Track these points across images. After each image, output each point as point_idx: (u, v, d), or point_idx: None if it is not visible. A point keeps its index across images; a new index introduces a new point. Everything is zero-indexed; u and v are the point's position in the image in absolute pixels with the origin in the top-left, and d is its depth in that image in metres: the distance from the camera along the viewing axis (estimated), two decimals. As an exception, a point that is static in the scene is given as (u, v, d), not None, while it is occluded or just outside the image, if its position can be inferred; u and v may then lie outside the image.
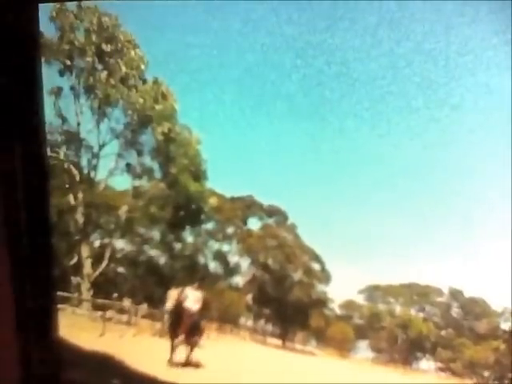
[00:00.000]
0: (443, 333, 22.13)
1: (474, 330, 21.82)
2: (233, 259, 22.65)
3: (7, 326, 2.69)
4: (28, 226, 2.69)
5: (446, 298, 22.60)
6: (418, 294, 22.71)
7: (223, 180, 20.48)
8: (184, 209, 19.66)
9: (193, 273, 21.63)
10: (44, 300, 2.93)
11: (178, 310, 11.26)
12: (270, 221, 22.10)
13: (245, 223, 22.21)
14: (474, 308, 21.90)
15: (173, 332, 11.46)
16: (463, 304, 22.27)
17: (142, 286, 21.73)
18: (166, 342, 12.33)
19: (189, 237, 21.63)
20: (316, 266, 22.79)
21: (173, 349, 11.69)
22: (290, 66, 19.24)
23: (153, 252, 22.18)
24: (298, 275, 22.85)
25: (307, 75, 19.40)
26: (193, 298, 11.61)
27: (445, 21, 16.51)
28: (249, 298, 22.90)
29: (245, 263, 22.75)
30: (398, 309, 22.99)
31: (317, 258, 22.53)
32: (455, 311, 22.49)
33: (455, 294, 22.32)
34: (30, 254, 2.76)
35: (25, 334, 2.80)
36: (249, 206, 21.56)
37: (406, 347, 22.15)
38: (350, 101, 20.17)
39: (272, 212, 21.76)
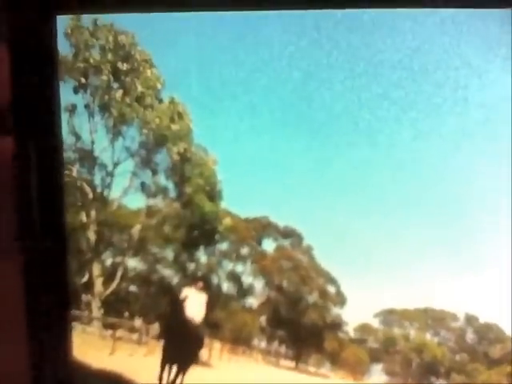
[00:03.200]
0: (457, 357, 21.32)
1: (487, 355, 20.99)
2: (247, 280, 21.85)
3: (19, 338, 2.55)
4: (43, 239, 2.55)
5: (461, 323, 21.76)
6: (433, 318, 21.91)
7: (238, 200, 19.84)
8: (198, 229, 19.01)
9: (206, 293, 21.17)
10: (58, 315, 2.80)
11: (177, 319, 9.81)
12: (285, 242, 21.37)
13: (259, 244, 21.59)
14: (488, 333, 21.05)
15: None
16: (477, 329, 21.44)
17: (153, 305, 21.23)
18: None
19: (202, 257, 20.95)
20: (331, 289, 21.82)
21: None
22: (311, 86, 18.66)
23: (166, 271, 21.40)
24: (312, 298, 21.98)
25: (327, 95, 18.86)
26: (195, 302, 10.13)
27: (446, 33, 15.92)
28: (262, 319, 22.26)
29: (259, 284, 21.96)
30: (412, 333, 22.20)
31: (332, 281, 21.55)
32: (469, 336, 21.67)
33: (470, 319, 21.48)
34: (44, 267, 2.63)
35: (38, 349, 2.66)
36: (264, 227, 20.91)
37: (420, 371, 21.34)
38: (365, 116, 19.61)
39: (287, 233, 21.08)
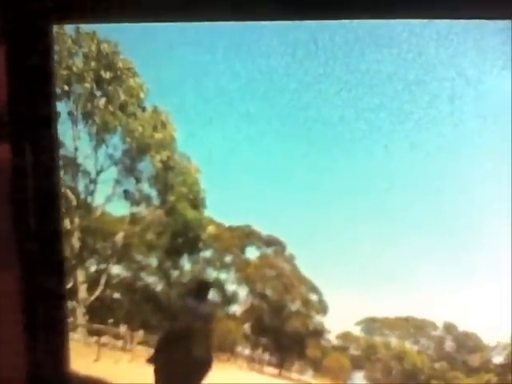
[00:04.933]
0: (437, 365, 21.00)
1: (466, 363, 20.72)
2: (230, 288, 21.54)
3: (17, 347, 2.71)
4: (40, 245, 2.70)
5: (441, 331, 21.54)
6: (414, 327, 21.57)
7: (222, 209, 19.52)
8: (182, 236, 18.59)
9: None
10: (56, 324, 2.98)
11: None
12: (268, 251, 20.95)
13: (243, 252, 21.20)
14: (467, 342, 20.81)
15: None
16: (457, 338, 21.18)
17: (138, 312, 20.80)
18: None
19: (186, 264, 20.60)
20: (313, 297, 21.48)
21: None
22: (295, 94, 18.33)
23: (150, 279, 20.97)
24: (295, 306, 21.59)
25: (314, 106, 18.55)
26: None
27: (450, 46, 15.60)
28: (246, 327, 21.98)
29: (243, 292, 21.65)
30: (393, 341, 21.90)
31: (314, 289, 21.21)
32: (449, 345, 21.41)
33: (449, 328, 21.23)
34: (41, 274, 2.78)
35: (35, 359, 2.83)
36: (247, 236, 20.49)
37: (401, 379, 21.10)
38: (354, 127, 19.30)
39: (270, 242, 20.67)
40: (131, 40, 15.54)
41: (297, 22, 15.09)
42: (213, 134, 18.88)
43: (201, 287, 8.74)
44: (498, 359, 20.46)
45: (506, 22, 2.56)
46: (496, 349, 20.40)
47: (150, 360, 8.10)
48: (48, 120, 2.73)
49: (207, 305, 8.47)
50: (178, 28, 15.52)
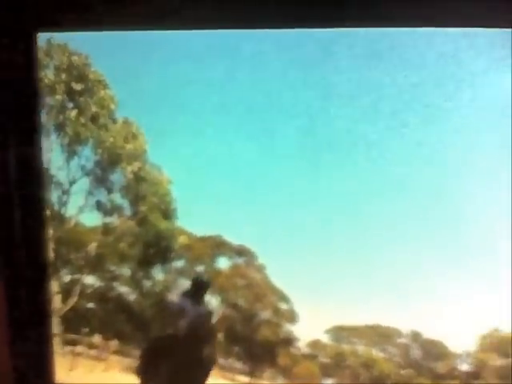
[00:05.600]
0: (403, 372, 21.08)
1: (433, 370, 20.83)
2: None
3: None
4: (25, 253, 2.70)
5: (407, 339, 21.62)
6: (381, 334, 21.57)
7: (193, 219, 19.45)
8: (154, 246, 18.40)
9: (162, 310, 20.59)
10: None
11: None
12: (240, 260, 20.94)
13: (214, 262, 21.13)
14: (433, 349, 20.89)
15: None
16: (422, 345, 21.29)
17: (111, 322, 20.60)
18: (135, 378, 11.20)
19: (159, 274, 20.48)
20: (284, 306, 21.47)
21: None
22: (266, 106, 18.40)
23: (123, 289, 20.85)
24: (266, 314, 21.62)
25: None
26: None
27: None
28: (219, 336, 21.86)
29: (214, 302, 21.65)
30: (361, 349, 21.93)
31: (285, 298, 21.19)
32: (415, 352, 21.47)
33: (415, 336, 21.31)
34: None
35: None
36: (218, 246, 20.39)
37: (369, 385, 21.17)
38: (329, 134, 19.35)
39: (241, 252, 20.58)
40: (102, 52, 15.58)
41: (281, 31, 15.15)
42: (184, 145, 18.93)
43: (197, 287, 8.15)
44: (464, 367, 20.73)
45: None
46: (461, 356, 20.58)
47: (138, 371, 7.61)
48: (32, 132, 2.70)
49: (204, 304, 7.95)
50: (149, 39, 15.56)
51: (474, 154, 17.78)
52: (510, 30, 2.37)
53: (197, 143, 18.65)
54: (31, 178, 2.58)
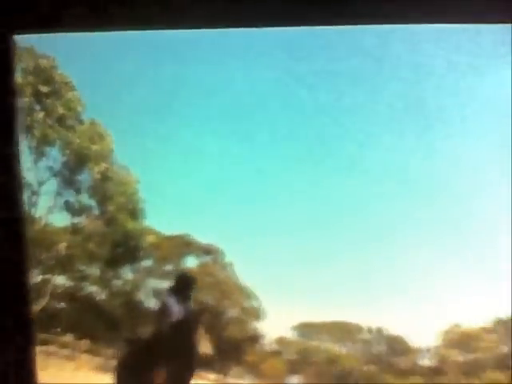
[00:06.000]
0: (366, 368, 21.33)
1: (395, 365, 21.08)
2: (172, 296, 21.49)
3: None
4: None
5: (370, 335, 21.90)
6: (345, 331, 21.84)
7: (160, 218, 19.56)
8: (122, 246, 18.43)
9: (132, 309, 20.72)
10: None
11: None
12: (207, 259, 21.10)
13: (182, 261, 21.24)
14: (396, 345, 21.18)
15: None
16: (385, 341, 21.57)
17: (82, 321, 20.60)
18: (105, 377, 11.28)
19: (128, 274, 20.55)
20: (251, 304, 21.72)
21: None
22: (236, 101, 18.50)
23: (92, 288, 20.86)
24: (233, 312, 21.83)
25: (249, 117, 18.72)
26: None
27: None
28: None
29: (183, 300, 21.69)
30: (326, 345, 22.17)
31: (252, 296, 21.43)
32: (378, 348, 21.75)
33: (378, 332, 21.59)
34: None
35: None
36: (186, 244, 20.51)
37: (334, 381, 21.29)
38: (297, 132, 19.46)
39: (209, 250, 20.67)
40: (68, 54, 15.66)
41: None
42: (151, 145, 19.02)
43: (184, 283, 7.70)
44: (426, 362, 21.05)
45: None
46: (424, 352, 20.88)
47: (120, 368, 7.17)
48: (11, 132, 2.68)
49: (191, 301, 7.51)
50: (114, 41, 15.66)
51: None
52: (509, 26, 2.43)
53: (164, 143, 18.76)
54: (9, 179, 2.62)
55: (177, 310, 7.63)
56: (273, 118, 18.80)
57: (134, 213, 18.06)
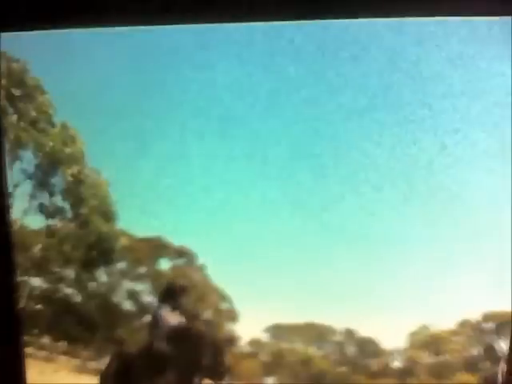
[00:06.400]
0: (339, 369, 21.37)
1: (366, 367, 21.14)
2: (147, 299, 21.52)
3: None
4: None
5: (341, 337, 21.94)
6: (317, 332, 21.92)
7: (133, 221, 19.57)
8: (96, 248, 18.54)
9: (108, 311, 20.69)
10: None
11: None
12: (180, 261, 21.11)
13: (156, 263, 21.23)
14: (367, 347, 21.24)
15: None
16: (356, 343, 21.63)
17: (59, 323, 20.54)
18: (84, 378, 11.30)
19: (103, 276, 20.55)
20: (225, 306, 21.73)
21: None
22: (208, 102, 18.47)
23: (68, 290, 20.69)
24: (208, 314, 21.82)
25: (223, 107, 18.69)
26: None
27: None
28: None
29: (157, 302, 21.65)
30: (300, 347, 22.18)
31: (226, 298, 21.46)
32: (350, 349, 21.79)
33: (349, 334, 21.65)
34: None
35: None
36: (159, 247, 20.55)
37: (308, 383, 21.30)
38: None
39: (181, 253, 20.66)
40: (39, 57, 15.72)
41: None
42: (123, 147, 19.01)
43: (173, 293, 7.47)
44: (397, 364, 21.14)
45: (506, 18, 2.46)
46: (394, 354, 20.96)
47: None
48: None
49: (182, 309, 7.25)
50: (87, 43, 15.69)
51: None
52: (509, 22, 2.42)
53: (136, 144, 18.75)
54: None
55: (169, 320, 7.45)
56: (247, 116, 18.72)
57: (107, 215, 18.11)
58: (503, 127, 14.97)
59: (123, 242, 19.32)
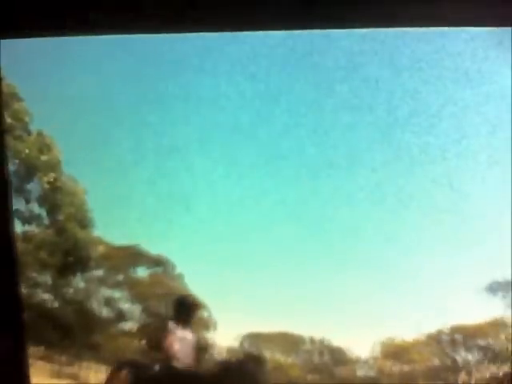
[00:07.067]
0: (310, 377, 21.34)
1: (336, 375, 21.11)
2: (124, 306, 21.34)
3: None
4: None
5: (312, 346, 21.92)
6: (289, 341, 21.87)
7: (110, 229, 19.49)
8: (73, 255, 18.39)
9: (85, 317, 20.57)
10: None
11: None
12: (158, 270, 20.97)
13: (133, 271, 21.12)
14: (336, 356, 21.23)
15: None
16: (327, 352, 21.61)
17: (36, 328, 20.36)
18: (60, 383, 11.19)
19: (79, 282, 20.43)
20: (202, 314, 21.66)
21: None
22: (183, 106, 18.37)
23: (45, 296, 20.49)
24: (184, 322, 21.69)
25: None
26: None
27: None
28: (143, 343, 21.70)
29: (137, 310, 21.57)
30: (272, 355, 22.10)
31: (203, 307, 21.43)
32: (320, 358, 21.75)
33: (320, 343, 21.63)
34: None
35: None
36: (136, 255, 20.44)
37: (281, 390, 21.19)
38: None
39: (159, 261, 20.53)
40: (15, 64, 15.62)
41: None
42: (99, 155, 18.95)
43: (186, 308, 7.11)
44: (365, 373, 21.06)
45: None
46: (362, 363, 20.92)
47: None
48: None
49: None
50: (61, 49, 15.53)
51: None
52: (509, 29, 2.39)
53: (113, 152, 18.68)
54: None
55: (182, 336, 7.17)
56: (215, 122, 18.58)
57: (83, 223, 17.99)
58: (505, 135, 14.67)
59: (100, 249, 19.19)
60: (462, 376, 17.18)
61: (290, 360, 21.88)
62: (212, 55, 16.46)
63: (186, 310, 7.66)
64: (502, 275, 16.31)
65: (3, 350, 2.72)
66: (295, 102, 17.57)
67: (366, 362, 20.77)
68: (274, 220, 20.25)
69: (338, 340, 20.58)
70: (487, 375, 16.86)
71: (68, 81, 16.81)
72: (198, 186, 19.66)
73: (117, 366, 6.60)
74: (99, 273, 20.38)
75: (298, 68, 16.91)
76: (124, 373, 6.56)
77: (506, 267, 13.22)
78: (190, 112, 17.88)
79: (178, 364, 7.00)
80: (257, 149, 18.47)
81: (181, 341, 7.28)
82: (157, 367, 6.96)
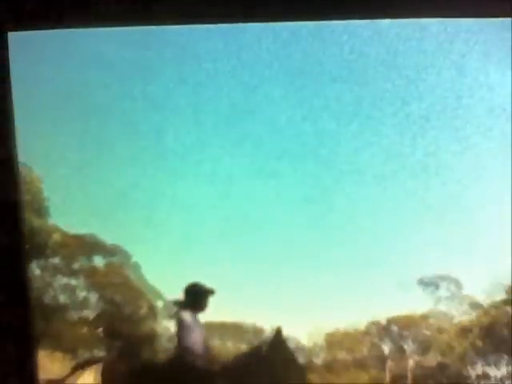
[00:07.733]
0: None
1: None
2: (81, 294, 21.16)
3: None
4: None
5: (268, 335, 21.97)
6: (246, 331, 22.01)
7: (66, 217, 19.20)
8: (28, 243, 18.24)
9: (42, 306, 20.32)
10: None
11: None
12: (114, 259, 20.81)
13: (90, 260, 20.94)
14: (292, 345, 21.20)
15: None
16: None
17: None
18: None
19: (36, 270, 20.19)
20: (159, 303, 21.57)
21: None
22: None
23: (0, 285, 20.36)
24: (142, 311, 21.65)
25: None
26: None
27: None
28: (100, 331, 21.58)
29: (93, 298, 21.38)
30: (229, 344, 22.16)
31: (160, 296, 21.24)
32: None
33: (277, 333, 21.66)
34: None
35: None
36: (92, 244, 20.25)
37: (237, 379, 21.26)
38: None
39: (115, 251, 20.39)
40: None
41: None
42: (54, 143, 18.51)
43: (199, 295, 6.96)
44: (319, 361, 21.24)
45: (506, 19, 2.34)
46: (315, 350, 21.08)
47: None
48: (6, 133, 2.50)
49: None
50: (40, 42, 15.09)
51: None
52: (509, 26, 2.28)
53: (69, 142, 18.29)
54: (6, 181, 2.41)
55: (194, 324, 7.05)
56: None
57: (39, 211, 17.80)
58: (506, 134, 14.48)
59: (56, 237, 18.98)
60: (389, 363, 17.68)
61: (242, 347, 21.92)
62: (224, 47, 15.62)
63: (200, 296, 7.65)
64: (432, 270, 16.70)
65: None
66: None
67: (320, 350, 20.91)
68: (240, 213, 19.89)
69: (292, 330, 20.35)
70: (418, 364, 17.34)
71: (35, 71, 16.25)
72: (159, 175, 19.25)
73: (111, 356, 6.53)
74: (55, 260, 20.05)
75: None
76: (122, 364, 6.53)
77: (436, 263, 13.38)
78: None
79: (189, 355, 7.05)
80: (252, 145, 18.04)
81: (193, 331, 7.30)
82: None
